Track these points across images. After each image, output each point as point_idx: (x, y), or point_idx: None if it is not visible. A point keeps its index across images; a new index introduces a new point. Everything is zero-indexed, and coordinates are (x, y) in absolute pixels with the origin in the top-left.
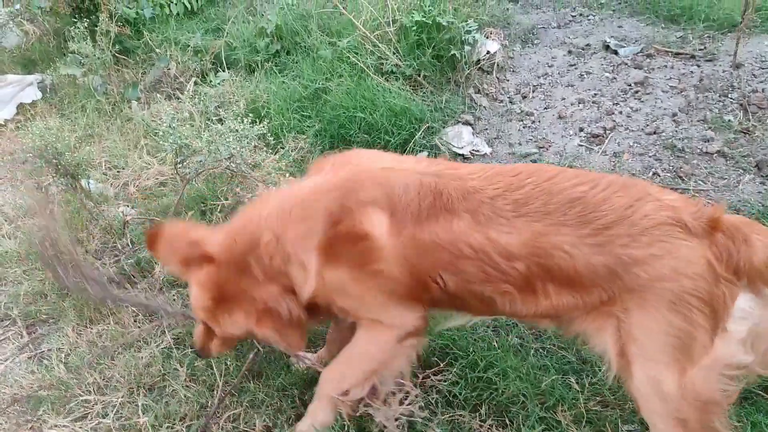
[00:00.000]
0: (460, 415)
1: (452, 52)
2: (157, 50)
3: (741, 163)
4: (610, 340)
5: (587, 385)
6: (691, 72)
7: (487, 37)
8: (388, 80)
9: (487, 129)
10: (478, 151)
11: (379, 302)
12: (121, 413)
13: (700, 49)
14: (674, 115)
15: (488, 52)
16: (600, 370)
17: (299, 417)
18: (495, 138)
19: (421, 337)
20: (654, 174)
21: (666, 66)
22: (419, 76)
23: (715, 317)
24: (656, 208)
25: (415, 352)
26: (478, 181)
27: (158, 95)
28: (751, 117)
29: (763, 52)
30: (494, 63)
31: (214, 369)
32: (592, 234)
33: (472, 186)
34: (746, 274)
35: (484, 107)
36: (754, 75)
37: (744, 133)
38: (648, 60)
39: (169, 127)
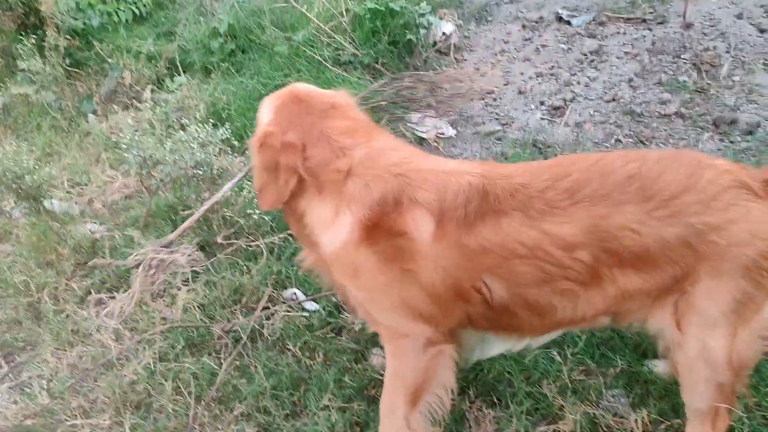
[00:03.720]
0: (450, 399)
1: (408, 37)
2: (109, 60)
3: (699, 122)
4: (668, 315)
5: (569, 356)
6: (644, 36)
7: (441, 19)
8: (346, 71)
9: (449, 111)
10: (442, 133)
11: (392, 303)
12: None
13: (650, 13)
14: (630, 80)
15: (444, 34)
16: (581, 340)
17: (288, 417)
18: (458, 119)
19: (447, 344)
20: (616, 141)
21: (619, 32)
22: (378, 63)
23: None
24: (717, 173)
25: (452, 359)
26: (522, 177)
27: (115, 106)
28: (705, 76)
29: (712, 11)
30: (451, 44)
31: (200, 379)
32: (659, 207)
33: (518, 182)
34: None
35: (445, 89)
36: (704, 34)
37: (699, 92)
38: (601, 28)
39: (131, 139)
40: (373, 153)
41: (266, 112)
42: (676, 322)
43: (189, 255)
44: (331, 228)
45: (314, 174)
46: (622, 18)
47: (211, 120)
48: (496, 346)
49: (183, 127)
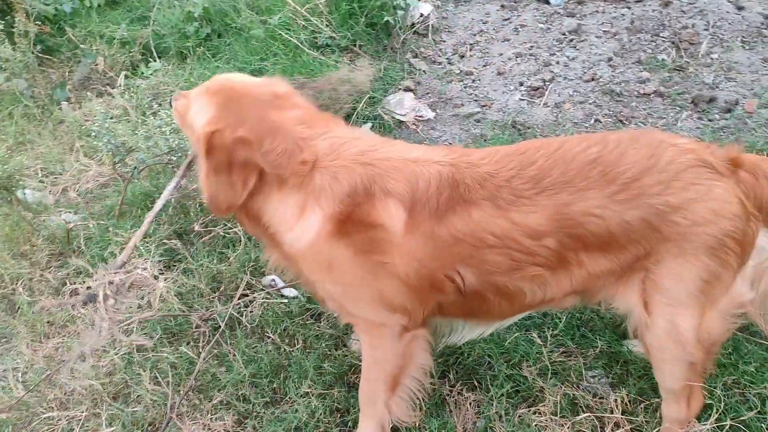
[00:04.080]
0: (431, 383)
1: (386, 19)
2: (82, 46)
3: (677, 101)
4: (635, 295)
5: (549, 338)
6: (622, 15)
7: (419, 0)
8: (324, 54)
9: (428, 93)
10: (421, 116)
11: (367, 296)
12: (87, 426)
13: None
14: (609, 59)
15: (422, 15)
16: (560, 322)
17: (267, 405)
18: (437, 101)
19: (421, 329)
20: (596, 121)
21: (597, 11)
22: (355, 46)
23: (743, 257)
24: (677, 152)
25: (426, 342)
26: (490, 165)
27: (89, 93)
28: (683, 54)
29: None
30: (429, 25)
31: (178, 368)
32: (620, 190)
33: (486, 172)
34: (766, 210)
35: (424, 71)
36: (683, 12)
37: (678, 70)
38: (579, 7)
39: (102, 127)
40: (336, 143)
41: (202, 109)
42: (644, 302)
43: (152, 263)
44: (298, 224)
45: (276, 168)
46: None
47: None
48: (466, 331)
49: (156, 114)
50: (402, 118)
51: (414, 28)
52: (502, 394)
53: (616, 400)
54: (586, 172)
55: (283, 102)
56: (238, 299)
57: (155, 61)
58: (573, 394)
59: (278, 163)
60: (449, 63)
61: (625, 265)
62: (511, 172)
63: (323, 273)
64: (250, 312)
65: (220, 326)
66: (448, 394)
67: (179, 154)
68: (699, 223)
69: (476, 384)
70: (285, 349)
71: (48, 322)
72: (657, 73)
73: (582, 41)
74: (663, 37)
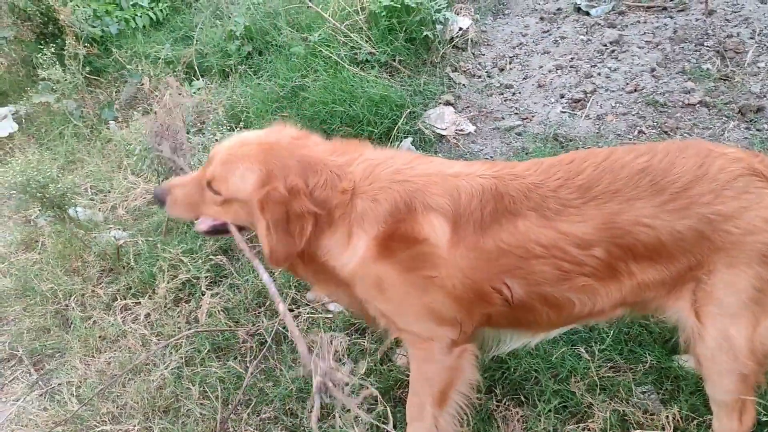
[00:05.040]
0: (477, 398)
1: (425, 34)
2: (128, 66)
3: (724, 110)
4: (686, 305)
5: (597, 353)
6: (665, 24)
7: (458, 14)
8: (364, 69)
9: (468, 107)
10: (462, 130)
11: (418, 312)
12: None
13: (671, 0)
14: (653, 70)
15: (461, 29)
16: (608, 336)
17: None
18: (478, 114)
19: (469, 344)
20: (639, 132)
21: (639, 21)
22: (395, 61)
23: None
24: (727, 161)
25: (474, 356)
26: (535, 176)
27: (135, 112)
28: (729, 63)
29: None
30: (468, 39)
31: (226, 383)
32: (670, 199)
33: (531, 182)
34: None
35: (463, 85)
36: (727, 20)
37: (724, 80)
38: (620, 17)
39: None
40: (370, 166)
41: (245, 174)
42: (695, 312)
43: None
44: (347, 251)
45: (324, 205)
46: (642, 6)
47: (229, 122)
48: (513, 341)
49: (201, 131)
50: (442, 132)
51: (453, 42)
52: (550, 410)
53: (667, 417)
54: (636, 181)
55: (304, 141)
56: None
57: (198, 79)
58: (623, 411)
59: (323, 197)
60: (489, 76)
61: (675, 275)
62: (557, 182)
63: (374, 292)
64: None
65: (266, 341)
66: (494, 409)
67: None
68: (751, 232)
69: (523, 399)
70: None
71: (100, 337)
72: (702, 83)
73: (624, 52)
74: (707, 46)
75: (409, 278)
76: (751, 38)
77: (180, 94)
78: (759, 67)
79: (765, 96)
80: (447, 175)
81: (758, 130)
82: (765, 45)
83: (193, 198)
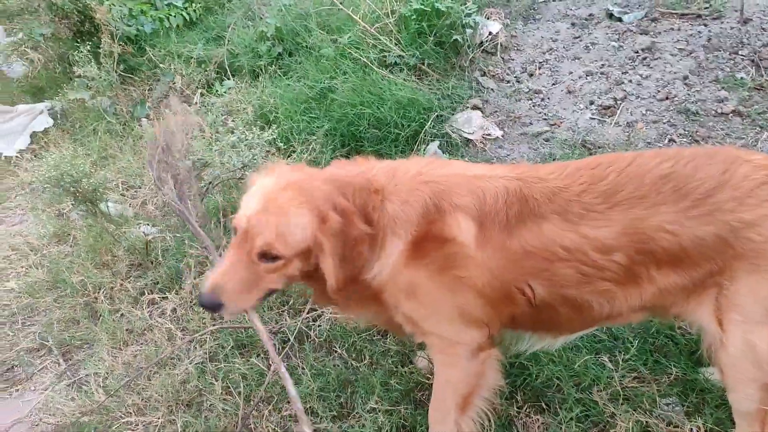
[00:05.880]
0: (498, 404)
1: (454, 38)
2: (161, 65)
3: (758, 120)
4: (708, 312)
5: (621, 363)
6: (699, 32)
7: (488, 18)
8: (392, 72)
9: (496, 111)
10: (489, 135)
11: (448, 313)
12: None
13: (706, 8)
14: (685, 78)
15: (490, 33)
16: (633, 346)
17: (335, 419)
18: (505, 119)
19: (494, 348)
20: (670, 140)
21: (672, 29)
22: (423, 65)
23: None
24: (752, 169)
25: (498, 362)
26: (559, 180)
27: (167, 110)
28: (763, 73)
29: None
30: (497, 43)
31: (249, 380)
32: (693, 206)
33: (556, 186)
34: None
35: (492, 89)
36: (763, 29)
37: (758, 89)
38: (653, 24)
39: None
40: (389, 170)
41: (296, 218)
42: (717, 320)
43: None
44: (380, 258)
45: (368, 215)
46: (676, 14)
47: (258, 122)
48: (532, 343)
49: (231, 131)
50: (470, 137)
51: (483, 47)
52: (572, 418)
53: (691, 429)
54: (660, 186)
55: (311, 169)
56: (307, 313)
57: (229, 79)
58: (646, 422)
59: (362, 203)
60: (518, 81)
61: (697, 281)
62: (581, 187)
63: (404, 296)
64: (318, 326)
65: (289, 339)
66: (515, 416)
67: (252, 170)
68: None
69: (545, 406)
70: (352, 364)
71: (127, 330)
72: (736, 92)
73: (656, 59)
74: (742, 55)
75: (441, 279)
76: None
77: (186, 113)
78: None
79: None
80: (470, 177)
81: None
82: None
83: (248, 281)
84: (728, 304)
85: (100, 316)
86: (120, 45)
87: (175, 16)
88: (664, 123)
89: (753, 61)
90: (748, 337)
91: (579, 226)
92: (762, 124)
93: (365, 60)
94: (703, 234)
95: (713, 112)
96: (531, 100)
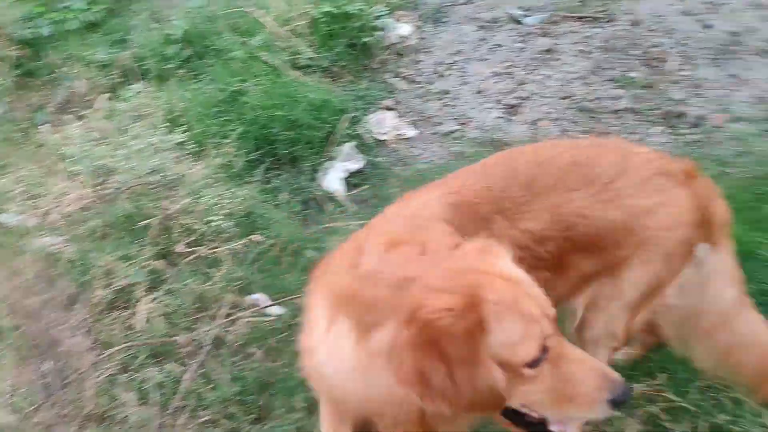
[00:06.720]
0: None
1: (364, 40)
2: (63, 68)
3: (649, 116)
4: (583, 297)
5: None
6: (596, 34)
7: (398, 21)
8: (305, 74)
9: (409, 112)
10: (402, 134)
11: None
12: None
13: (601, 11)
14: (583, 77)
15: (401, 36)
16: None
17: (255, 422)
18: (418, 120)
19: None
20: (572, 137)
21: (571, 31)
22: (336, 66)
23: (685, 264)
24: (643, 160)
25: None
26: (481, 181)
27: (69, 116)
28: (653, 71)
29: (657, 8)
30: (408, 45)
31: (165, 388)
32: (601, 191)
33: (483, 187)
34: (708, 224)
35: (404, 90)
36: (651, 30)
37: (648, 87)
38: (554, 27)
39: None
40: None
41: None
42: (587, 303)
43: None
44: None
45: None
46: (575, 17)
47: (168, 126)
48: None
49: (136, 136)
50: (382, 137)
51: (394, 49)
52: None
53: None
54: (569, 173)
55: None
56: (224, 318)
57: (136, 83)
58: None
59: None
60: (428, 82)
61: (608, 266)
62: (502, 183)
63: None
64: (235, 331)
65: (204, 345)
66: None
67: (161, 175)
68: (664, 228)
69: None
70: (270, 366)
71: (34, 346)
72: (629, 90)
73: (556, 60)
74: (634, 55)
75: None
76: (673, 48)
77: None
78: (681, 75)
79: (686, 102)
80: (412, 216)
81: (679, 134)
82: (686, 54)
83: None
84: (612, 288)
85: (3, 332)
86: (16, 49)
87: (74, 19)
88: (566, 120)
89: (644, 60)
90: (612, 319)
91: (516, 221)
92: (652, 119)
93: (276, 62)
94: (613, 217)
95: (609, 109)
96: (441, 100)
